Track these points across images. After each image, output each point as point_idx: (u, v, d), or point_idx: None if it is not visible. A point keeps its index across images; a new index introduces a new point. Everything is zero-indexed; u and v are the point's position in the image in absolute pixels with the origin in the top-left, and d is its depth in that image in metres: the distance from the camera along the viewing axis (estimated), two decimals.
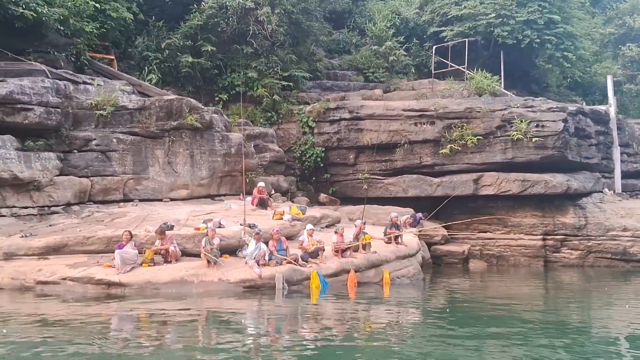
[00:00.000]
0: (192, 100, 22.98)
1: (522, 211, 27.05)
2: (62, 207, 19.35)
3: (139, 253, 15.38)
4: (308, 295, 15.60)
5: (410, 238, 19.42)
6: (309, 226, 17.27)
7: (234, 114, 27.56)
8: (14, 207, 18.47)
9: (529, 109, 26.32)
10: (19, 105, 18.65)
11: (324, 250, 16.77)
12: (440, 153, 26.74)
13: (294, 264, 15.99)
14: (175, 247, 15.49)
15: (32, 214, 18.65)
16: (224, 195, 23.42)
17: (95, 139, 20.64)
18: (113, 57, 25.46)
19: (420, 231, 24.42)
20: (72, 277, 14.81)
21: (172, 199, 21.85)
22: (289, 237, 17.82)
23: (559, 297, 18.32)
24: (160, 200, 21.61)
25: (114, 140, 20.94)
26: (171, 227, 16.47)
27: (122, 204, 20.48)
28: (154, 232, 16.17)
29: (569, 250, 26.73)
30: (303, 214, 20.29)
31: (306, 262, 16.44)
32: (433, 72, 31.13)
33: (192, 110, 22.33)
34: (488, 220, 27.26)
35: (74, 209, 19.66)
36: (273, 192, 25.15)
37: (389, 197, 27.43)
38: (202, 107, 22.93)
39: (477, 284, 20.99)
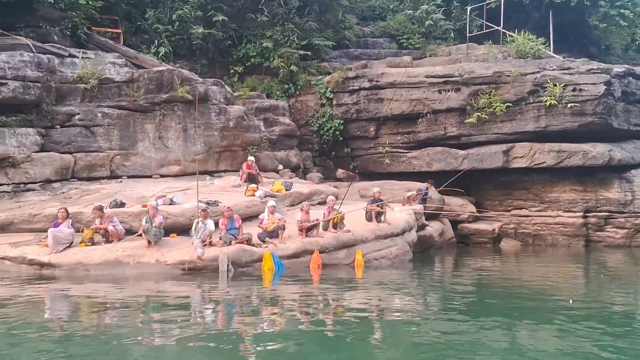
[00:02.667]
0: (184, 71, 21.91)
1: (560, 185, 24.43)
2: (39, 184, 18.83)
3: (78, 232, 14.43)
4: (260, 278, 14.18)
5: (397, 216, 17.46)
6: (270, 203, 15.77)
7: (249, 87, 26.37)
8: None
9: (565, 71, 23.48)
10: None
11: (284, 229, 15.27)
12: (466, 123, 24.39)
13: (245, 244, 14.57)
14: (115, 226, 14.45)
15: (5, 191, 18.21)
16: (224, 171, 22.30)
17: (78, 114, 19.98)
18: (119, 31, 24.73)
19: (433, 208, 22.42)
20: (9, 257, 14.11)
21: (162, 176, 20.94)
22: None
23: (603, 282, 15.74)
24: (150, 176, 20.73)
25: (99, 114, 20.22)
26: (121, 205, 15.51)
27: (104, 180, 19.75)
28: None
29: (614, 229, 23.98)
30: (287, 189, 18.82)
31: (263, 242, 15.02)
32: (468, 35, 28.45)
33: (184, 81, 21.24)
34: (523, 195, 24.91)
35: (54, 186, 19.11)
36: (281, 167, 23.83)
37: (412, 171, 25.42)
38: (196, 78, 21.81)
39: (491, 265, 18.71)
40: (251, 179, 19.96)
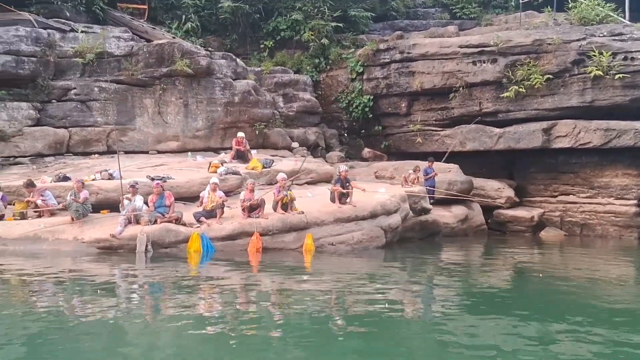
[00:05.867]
0: (185, 44, 21.14)
1: (611, 169, 21.41)
2: (29, 157, 18.92)
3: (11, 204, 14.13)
4: (185, 260, 13.12)
5: (366, 198, 15.60)
6: (213, 179, 14.61)
7: (277, 62, 25.26)
8: None
9: (616, 38, 20.34)
10: None
11: (222, 208, 14.08)
12: (502, 97, 21.75)
13: (172, 224, 13.56)
14: (45, 200, 13.99)
15: None
16: (230, 148, 21.29)
17: (75, 88, 19.89)
18: (145, 7, 24.52)
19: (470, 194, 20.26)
20: None
21: (159, 152, 20.39)
22: (226, 193, 15.30)
23: None
24: (147, 152, 20.26)
25: (95, 89, 20.01)
26: (64, 179, 15.02)
27: (94, 155, 19.51)
28: (49, 182, 14.86)
29: None
30: (264, 167, 17.56)
31: (198, 221, 13.93)
32: (521, 2, 25.42)
33: (185, 55, 20.49)
34: (570, 180, 22.04)
35: (47, 160, 19.14)
36: (296, 145, 22.56)
37: (445, 151, 23.12)
38: (199, 51, 20.96)
39: (497, 258, 16.33)
40: (240, 155, 18.99)
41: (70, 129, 19.68)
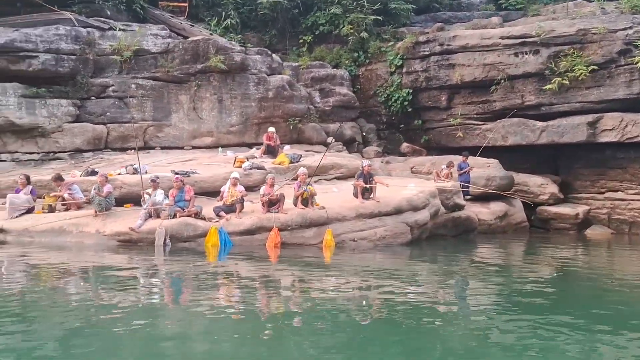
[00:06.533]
0: (220, 40, 21.29)
1: None
2: (68, 153, 19.44)
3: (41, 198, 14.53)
4: (203, 254, 13.20)
5: (392, 193, 15.30)
6: (234, 174, 14.62)
7: (315, 57, 25.16)
8: (17, 152, 19.01)
9: None
10: (21, 53, 18.98)
11: (242, 203, 14.08)
12: (545, 90, 20.99)
13: (192, 218, 13.65)
14: (72, 194, 14.33)
15: (34, 159, 19.02)
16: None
17: (112, 85, 20.31)
18: (186, 5, 24.87)
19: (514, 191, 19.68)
20: None
21: (194, 147, 20.62)
22: (248, 188, 15.36)
23: None
24: (182, 148, 20.53)
25: (132, 86, 20.36)
26: (93, 173, 15.34)
27: (130, 151, 19.78)
28: (79, 176, 15.23)
29: None
30: (292, 162, 17.48)
31: (218, 215, 13.97)
32: None
33: (220, 51, 20.63)
34: (619, 176, 21.16)
35: (85, 156, 19.64)
36: (331, 140, 22.32)
37: (487, 146, 22.46)
38: (233, 47, 21.05)
39: (535, 258, 15.74)
40: (270, 151, 19.00)
41: (108, 125, 20.08)
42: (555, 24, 21.33)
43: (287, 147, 20.38)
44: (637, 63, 19.13)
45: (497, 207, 20.06)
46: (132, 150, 19.84)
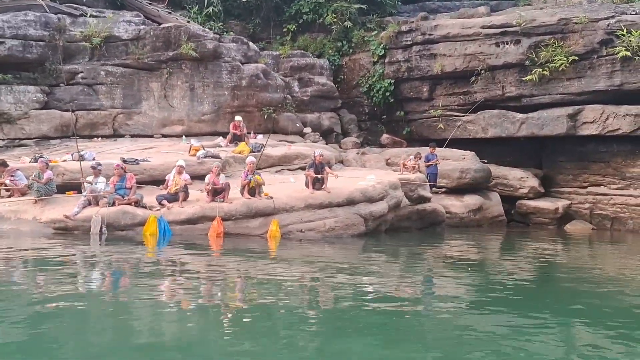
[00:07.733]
0: (192, 27, 20.89)
1: None
2: (34, 140, 19.25)
3: None
4: (140, 243, 12.85)
5: (347, 184, 14.81)
6: (179, 162, 14.20)
7: (299, 46, 24.69)
8: None
9: None
10: None
11: (186, 191, 13.71)
12: (525, 81, 20.30)
13: (130, 206, 13.31)
14: (14, 180, 14.06)
15: None
16: None
17: (82, 72, 20.08)
18: None
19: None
20: None
21: (164, 135, 20.28)
22: (201, 177, 14.97)
23: None
24: (152, 136, 20.22)
25: (102, 72, 20.11)
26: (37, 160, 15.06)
27: (97, 139, 19.61)
28: (28, 163, 14.99)
29: None
30: (252, 151, 17.05)
31: (160, 204, 13.62)
32: None
33: (192, 38, 20.25)
34: (601, 170, 20.41)
35: (52, 143, 19.43)
36: (309, 130, 21.96)
37: (467, 138, 21.91)
38: (206, 34, 20.64)
39: (489, 252, 15.05)
40: (236, 139, 18.59)
41: (76, 112, 19.80)
42: (536, 13, 20.65)
43: (260, 136, 19.94)
44: (618, 54, 18.35)
45: (472, 200, 19.49)
46: (99, 138, 19.72)
